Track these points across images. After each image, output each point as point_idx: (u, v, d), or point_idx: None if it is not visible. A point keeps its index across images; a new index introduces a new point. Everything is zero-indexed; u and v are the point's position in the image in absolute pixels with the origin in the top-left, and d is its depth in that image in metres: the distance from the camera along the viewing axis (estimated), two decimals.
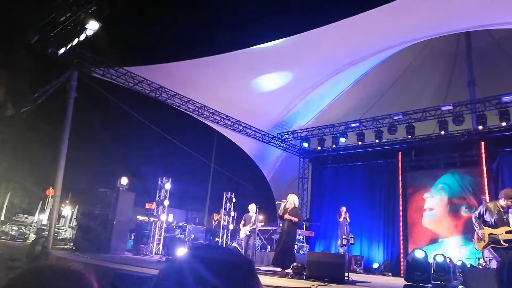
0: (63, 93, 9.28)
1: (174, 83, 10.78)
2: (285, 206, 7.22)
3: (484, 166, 10.67)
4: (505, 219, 5.19)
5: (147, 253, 10.46)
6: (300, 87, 11.98)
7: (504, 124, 9.83)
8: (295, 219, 7.05)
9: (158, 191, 10.89)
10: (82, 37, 7.91)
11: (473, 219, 5.47)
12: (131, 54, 10.50)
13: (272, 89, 11.77)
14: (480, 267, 7.76)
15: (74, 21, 7.83)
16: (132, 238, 11.36)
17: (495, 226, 5.23)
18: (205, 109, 11.74)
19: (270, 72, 11.12)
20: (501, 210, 5.27)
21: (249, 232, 8.66)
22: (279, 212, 7.40)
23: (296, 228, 7.40)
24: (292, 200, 7.25)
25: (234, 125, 12.56)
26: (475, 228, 5.41)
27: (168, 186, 10.89)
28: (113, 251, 9.01)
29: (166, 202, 10.78)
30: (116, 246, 9.29)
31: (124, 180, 9.55)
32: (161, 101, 10.95)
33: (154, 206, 11.40)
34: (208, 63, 10.11)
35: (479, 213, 5.42)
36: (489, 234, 5.22)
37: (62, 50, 8.21)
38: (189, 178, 16.91)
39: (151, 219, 10.92)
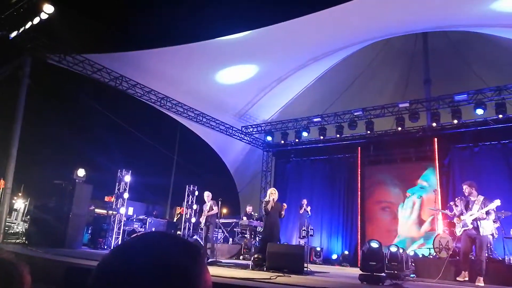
0: (16, 80, 8.78)
1: (136, 72, 10.47)
2: (266, 201, 7.27)
3: (437, 161, 11.24)
4: (470, 207, 6.42)
5: (106, 247, 10.17)
6: (265, 81, 12.02)
7: (456, 121, 10.37)
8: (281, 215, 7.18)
9: (117, 184, 10.58)
10: (36, 20, 7.50)
11: (456, 214, 6.79)
12: (89, 41, 10.05)
13: (236, 82, 11.74)
14: (431, 257, 8.19)
15: (28, 3, 7.41)
16: (89, 231, 11.00)
17: (465, 213, 6.51)
18: (168, 100, 11.51)
19: (234, 64, 11.06)
20: (468, 200, 6.52)
21: (204, 220, 8.61)
22: (267, 207, 7.36)
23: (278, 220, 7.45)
24: (274, 196, 7.30)
25: (198, 117, 12.42)
26: (456, 219, 6.70)
27: (128, 178, 10.60)
28: (68, 245, 8.68)
29: (126, 195, 10.50)
30: (72, 240, 8.95)
31: (80, 172, 9.20)
32: (121, 90, 10.61)
33: (113, 199, 11.08)
34: (172, 53, 9.90)
35: (459, 209, 6.67)
36: (463, 221, 6.41)
37: (13, 34, 7.75)
38: (150, 171, 16.56)
39: (110, 212, 10.61)
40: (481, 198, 6.41)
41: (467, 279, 6.30)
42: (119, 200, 10.46)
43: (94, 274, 0.68)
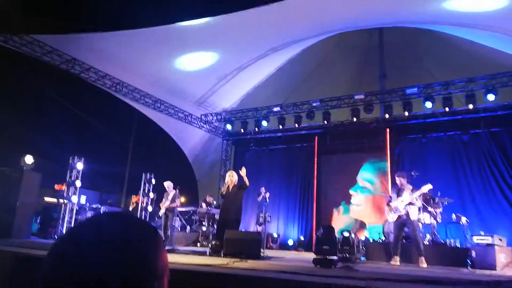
0: None
1: (90, 56, 10.00)
2: (227, 185, 7.23)
3: (388, 151, 11.79)
4: (401, 194, 7.07)
5: (56, 236, 9.77)
6: (225, 69, 11.93)
7: (406, 113, 10.88)
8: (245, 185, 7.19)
9: (69, 171, 10.13)
10: None
11: (387, 203, 7.39)
12: (39, 21, 9.46)
13: (196, 69, 11.55)
14: (380, 241, 8.63)
15: None
16: (38, 221, 10.50)
17: (396, 200, 7.12)
18: (124, 85, 11.13)
19: (195, 51, 10.87)
20: (399, 189, 7.16)
21: (164, 210, 8.49)
22: (222, 191, 7.39)
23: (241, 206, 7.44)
24: (234, 178, 7.27)
25: (155, 104, 12.13)
26: (387, 207, 7.28)
27: (80, 166, 10.17)
28: (16, 235, 8.24)
29: (78, 183, 10.08)
30: (20, 230, 8.50)
31: (28, 159, 8.71)
32: (73, 74, 10.11)
33: (64, 187, 10.61)
34: (129, 37, 9.53)
35: (389, 197, 7.38)
36: (393, 207, 7.06)
37: None
38: (105, 158, 15.98)
39: (61, 200, 10.17)
40: (410, 186, 7.12)
41: (398, 263, 6.80)
42: (71, 188, 10.04)
43: (47, 260, 0.67)
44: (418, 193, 6.96)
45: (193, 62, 11.20)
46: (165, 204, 8.52)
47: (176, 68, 11.27)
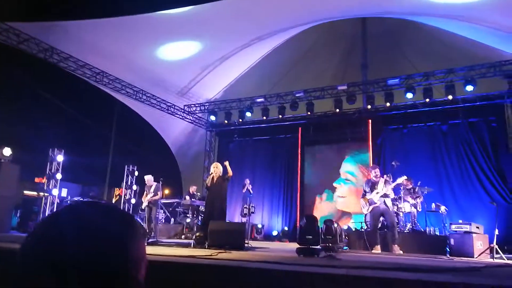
0: None
1: (69, 45, 9.73)
2: (212, 177, 7.19)
3: (370, 141, 11.95)
4: (376, 187, 7.30)
5: None
6: (208, 59, 11.80)
7: (388, 104, 11.01)
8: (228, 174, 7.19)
9: (49, 164, 9.91)
10: None
11: (362, 195, 7.59)
12: (14, 7, 9.13)
13: (179, 59, 11.39)
14: (362, 230, 8.79)
15: None
16: (18, 215, 10.28)
17: (370, 193, 7.31)
18: (105, 75, 10.90)
19: (177, 40, 10.70)
20: (373, 182, 7.41)
21: (147, 203, 8.46)
22: (206, 183, 7.36)
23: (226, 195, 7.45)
24: (218, 169, 7.24)
25: (137, 94, 11.93)
26: (362, 200, 7.53)
27: (60, 158, 9.97)
28: None
29: (59, 176, 9.89)
30: None
31: (6, 151, 8.48)
32: (52, 63, 9.84)
33: (44, 180, 10.40)
34: (109, 26, 9.30)
35: (364, 191, 7.60)
36: (368, 199, 7.26)
37: None
38: (86, 150, 15.70)
39: (41, 194, 9.96)
40: (383, 179, 7.38)
41: (380, 251, 6.99)
42: (51, 181, 9.84)
43: (24, 247, 0.67)
44: (393, 185, 7.21)
45: (176, 51, 11.04)
46: (147, 197, 8.48)
47: (158, 58, 11.09)
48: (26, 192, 10.47)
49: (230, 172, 7.19)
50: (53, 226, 0.69)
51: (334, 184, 12.27)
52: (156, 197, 8.52)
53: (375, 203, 7.22)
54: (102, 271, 0.65)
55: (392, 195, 7.37)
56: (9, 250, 4.53)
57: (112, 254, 0.67)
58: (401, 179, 7.32)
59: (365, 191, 7.53)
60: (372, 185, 7.38)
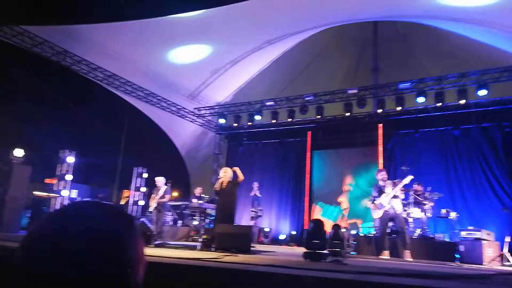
0: None
1: (81, 48, 9.87)
2: (221, 181, 7.20)
3: (381, 146, 11.83)
4: (384, 190, 7.24)
5: None
6: (218, 62, 11.86)
7: (399, 108, 10.91)
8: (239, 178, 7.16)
9: (59, 165, 10.03)
10: None
11: (371, 200, 7.53)
12: (29, 11, 9.29)
13: (189, 62, 11.47)
14: (371, 235, 8.70)
15: None
16: (28, 215, 10.41)
17: (379, 197, 7.25)
18: (116, 78, 11.02)
19: (187, 44, 10.77)
20: (380, 186, 7.34)
21: (156, 205, 8.51)
22: (215, 187, 7.37)
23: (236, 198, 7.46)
24: (228, 174, 7.25)
25: (148, 97, 12.03)
26: (371, 205, 7.39)
27: (71, 159, 10.08)
28: (5, 229, 8.17)
29: (69, 177, 10.00)
30: (9, 224, 8.44)
31: (18, 152, 8.62)
32: (65, 66, 9.98)
33: (55, 181, 10.53)
34: (121, 29, 9.41)
35: (372, 196, 7.53)
36: (377, 204, 7.18)
37: None
38: (96, 152, 15.86)
39: (51, 195, 10.08)
40: (390, 181, 7.34)
41: (388, 257, 6.89)
42: (61, 182, 9.96)
43: (25, 242, 0.68)
44: (400, 185, 7.11)
45: (186, 55, 11.12)
46: (156, 199, 8.52)
47: (169, 61, 11.18)
48: (36, 192, 10.60)
49: (241, 177, 7.17)
50: (53, 224, 0.69)
51: (339, 200, 12.23)
52: (165, 200, 8.56)
53: (384, 206, 7.12)
54: (101, 271, 0.66)
55: (402, 196, 7.26)
56: (15, 249, 4.59)
57: (111, 255, 0.68)
58: (408, 179, 7.21)
59: (373, 197, 7.44)
60: (380, 190, 7.31)
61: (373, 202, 7.38)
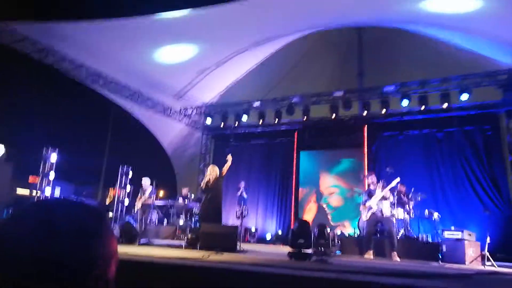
0: None
1: (64, 45, 9.71)
2: (208, 179, 7.17)
3: (366, 148, 11.98)
4: (373, 194, 7.30)
5: None
6: (205, 62, 11.82)
7: (384, 111, 11.05)
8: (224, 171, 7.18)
9: (42, 163, 9.86)
10: None
11: (361, 203, 7.52)
12: (10, 7, 9.11)
13: (175, 62, 11.40)
14: (356, 236, 8.80)
15: None
16: (11, 213, 10.22)
17: (369, 199, 7.23)
18: (100, 77, 10.88)
19: (174, 43, 10.71)
20: (370, 189, 7.37)
21: (141, 205, 8.51)
22: (201, 185, 7.36)
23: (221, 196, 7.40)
24: (215, 172, 7.23)
25: (133, 96, 11.92)
26: (362, 207, 7.45)
27: (54, 157, 9.92)
28: None
29: (52, 175, 9.84)
30: None
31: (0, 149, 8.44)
32: (47, 64, 9.81)
33: (38, 179, 10.34)
34: (106, 28, 9.30)
35: (363, 199, 7.55)
36: (367, 206, 7.25)
37: None
38: (81, 150, 15.64)
39: (34, 192, 9.90)
40: (380, 184, 7.37)
41: (372, 257, 6.98)
42: (44, 180, 9.79)
43: None
44: (389, 187, 7.21)
45: (173, 54, 11.05)
46: (141, 200, 8.53)
47: (155, 61, 11.10)
48: (19, 190, 10.40)
49: (224, 171, 7.20)
50: (17, 222, 0.67)
51: (321, 203, 12.38)
52: (150, 201, 8.58)
53: (372, 208, 7.20)
54: (68, 269, 0.64)
55: (391, 199, 7.34)
56: None
57: (78, 251, 0.66)
58: (395, 181, 7.33)
59: (365, 200, 7.51)
60: (370, 193, 7.39)
61: (364, 204, 7.44)
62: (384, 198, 7.15)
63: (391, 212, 7.37)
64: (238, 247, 6.35)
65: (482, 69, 9.96)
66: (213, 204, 7.01)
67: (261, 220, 12.97)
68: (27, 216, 0.68)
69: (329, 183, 12.49)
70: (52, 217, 0.67)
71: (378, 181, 7.51)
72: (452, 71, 10.30)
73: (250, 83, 13.24)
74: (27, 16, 8.85)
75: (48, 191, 9.81)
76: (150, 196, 8.55)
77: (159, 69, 11.45)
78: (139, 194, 8.74)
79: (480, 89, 10.03)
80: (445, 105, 10.23)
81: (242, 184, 11.74)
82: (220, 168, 7.28)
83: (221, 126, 13.37)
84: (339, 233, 9.51)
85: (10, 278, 0.61)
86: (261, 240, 12.04)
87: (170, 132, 14.28)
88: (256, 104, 12.49)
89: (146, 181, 8.74)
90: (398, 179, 7.39)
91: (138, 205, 8.64)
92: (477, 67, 10.04)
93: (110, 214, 11.94)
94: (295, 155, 13.05)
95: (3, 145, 8.52)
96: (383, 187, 7.25)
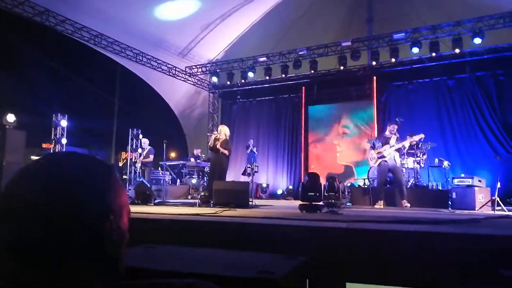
0: None
1: (65, 7, 9.48)
2: (216, 137, 7.20)
3: (375, 99, 11.81)
4: (389, 142, 7.28)
5: None
6: (208, 18, 11.49)
7: (393, 60, 10.76)
8: (226, 152, 7.11)
9: (53, 129, 9.98)
10: None
11: (368, 148, 7.64)
12: None
13: (178, 19, 11.10)
14: (365, 186, 8.90)
15: None
16: None
17: (381, 147, 7.27)
18: (103, 38, 10.69)
19: None
20: (386, 137, 7.35)
21: (140, 164, 9.02)
22: (209, 144, 7.40)
23: (228, 159, 7.45)
24: (224, 132, 7.26)
25: (137, 57, 11.76)
26: (369, 152, 7.48)
27: (64, 123, 10.02)
28: None
29: (64, 141, 10.00)
30: None
31: (10, 117, 8.52)
32: (49, 27, 9.64)
33: (52, 146, 10.51)
34: None
35: (373, 143, 7.60)
36: (377, 153, 7.27)
37: None
38: (90, 114, 15.73)
39: None
40: (395, 136, 7.36)
41: (382, 207, 7.09)
42: (57, 146, 9.96)
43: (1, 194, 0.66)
44: (408, 141, 7.24)
45: (174, 11, 10.73)
46: (139, 159, 8.95)
47: (157, 18, 10.81)
48: (33, 157, 10.61)
49: (221, 150, 7.10)
50: (28, 178, 0.67)
51: (334, 142, 12.43)
52: (147, 160, 9.07)
53: (385, 157, 7.19)
54: (83, 222, 0.65)
55: (404, 151, 7.44)
56: None
57: (91, 203, 0.67)
58: (418, 137, 7.42)
59: (374, 145, 7.51)
60: (385, 140, 7.34)
61: (374, 149, 7.44)
62: (399, 150, 7.18)
63: (401, 161, 7.41)
64: (250, 203, 6.50)
65: (497, 10, 9.49)
66: (218, 164, 7.10)
67: (272, 176, 13.17)
68: (38, 170, 0.68)
69: (342, 124, 12.53)
70: (64, 171, 0.68)
71: (383, 131, 7.53)
72: (466, 15, 9.84)
73: (255, 37, 12.88)
74: None
75: None
76: (147, 156, 8.96)
77: (161, 27, 11.19)
78: (139, 154, 9.27)
79: (493, 32, 9.62)
80: (457, 51, 9.90)
81: (251, 142, 11.83)
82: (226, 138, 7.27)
83: (228, 83, 13.23)
84: (349, 185, 9.62)
85: (22, 236, 0.62)
86: (273, 195, 12.29)
87: (176, 92, 14.20)
88: (262, 59, 12.23)
89: (144, 141, 9.18)
90: (422, 136, 7.39)
91: (137, 164, 9.13)
92: (491, 8, 9.56)
93: (125, 176, 12.22)
94: (303, 110, 12.96)
95: (12, 114, 8.57)
96: (398, 140, 7.25)
